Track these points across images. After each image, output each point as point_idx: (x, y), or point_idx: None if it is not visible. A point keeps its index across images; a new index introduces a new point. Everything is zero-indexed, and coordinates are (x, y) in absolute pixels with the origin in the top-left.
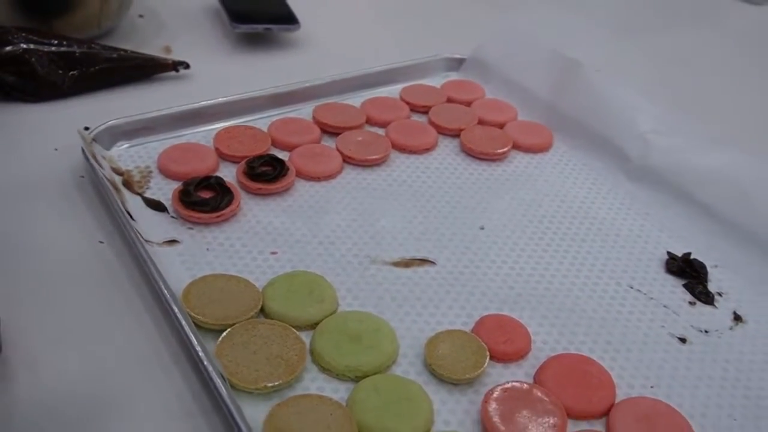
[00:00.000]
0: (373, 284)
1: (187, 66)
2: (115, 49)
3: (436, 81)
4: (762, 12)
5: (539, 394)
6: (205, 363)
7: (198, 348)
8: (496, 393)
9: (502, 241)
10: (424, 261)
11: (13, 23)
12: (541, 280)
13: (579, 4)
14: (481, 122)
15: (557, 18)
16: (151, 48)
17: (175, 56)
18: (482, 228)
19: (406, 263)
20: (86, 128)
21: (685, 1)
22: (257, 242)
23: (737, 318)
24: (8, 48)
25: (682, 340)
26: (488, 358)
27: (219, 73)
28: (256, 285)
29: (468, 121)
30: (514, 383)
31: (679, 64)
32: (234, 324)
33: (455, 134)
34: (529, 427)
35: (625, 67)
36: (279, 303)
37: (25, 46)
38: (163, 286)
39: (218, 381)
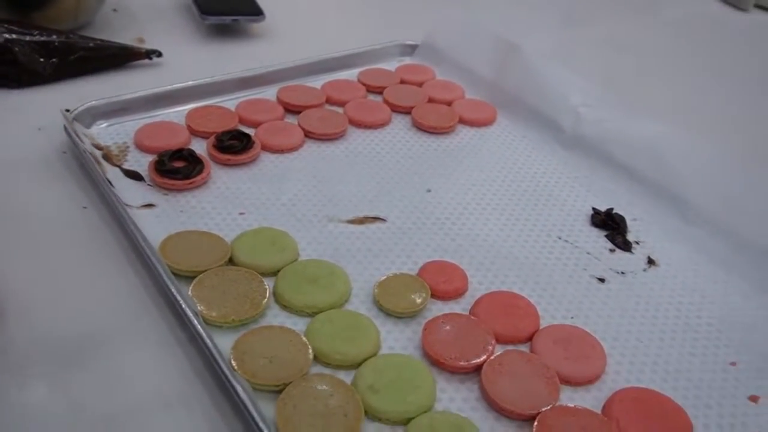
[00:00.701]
0: (330, 238)
1: (159, 54)
2: (92, 39)
3: (391, 65)
4: (696, 2)
5: (472, 322)
6: (181, 303)
7: (174, 290)
8: (435, 322)
9: (446, 202)
10: (375, 219)
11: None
12: (480, 233)
13: None
14: (431, 100)
15: (505, 7)
16: (125, 39)
17: (148, 46)
18: (429, 191)
19: (360, 221)
20: (67, 110)
21: None
22: (226, 205)
23: (650, 261)
24: None
25: (601, 280)
26: (429, 295)
27: (190, 61)
28: (225, 239)
29: (419, 100)
30: (450, 314)
31: (615, 50)
32: (206, 270)
33: (407, 111)
34: (464, 349)
35: (567, 52)
36: (246, 253)
37: (7, 36)
38: (141, 241)
39: (192, 317)
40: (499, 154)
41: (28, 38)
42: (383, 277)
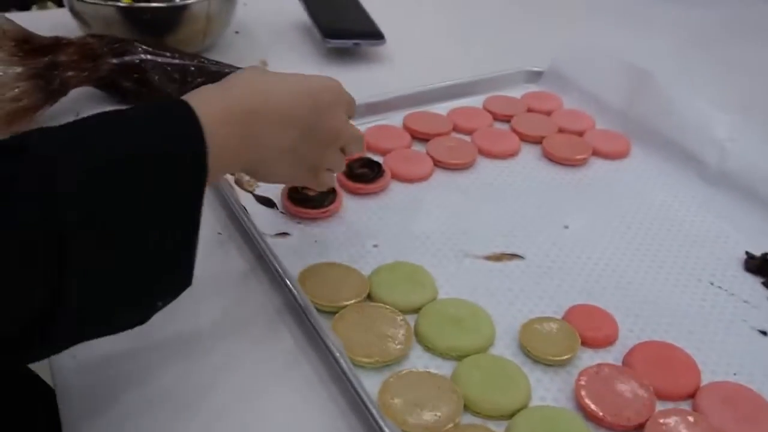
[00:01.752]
0: (467, 275)
1: None
2: (221, 64)
3: (516, 92)
4: None
5: (628, 375)
6: (326, 340)
7: (318, 326)
8: (588, 373)
9: (585, 239)
10: (513, 256)
11: (130, 36)
12: (624, 275)
13: (645, 18)
14: (561, 131)
15: (626, 31)
16: (249, 61)
17: (271, 68)
18: (566, 227)
19: (497, 257)
20: None
21: (749, 14)
22: (360, 236)
23: None
24: (127, 57)
25: (763, 333)
26: (579, 342)
27: None
28: (362, 273)
29: (549, 130)
30: (604, 365)
31: (745, 74)
32: (346, 306)
33: (537, 141)
34: (620, 405)
35: (694, 77)
36: (385, 289)
37: (143, 56)
38: (282, 272)
39: (338, 354)
40: (637, 190)
41: (160, 59)
42: (528, 321)
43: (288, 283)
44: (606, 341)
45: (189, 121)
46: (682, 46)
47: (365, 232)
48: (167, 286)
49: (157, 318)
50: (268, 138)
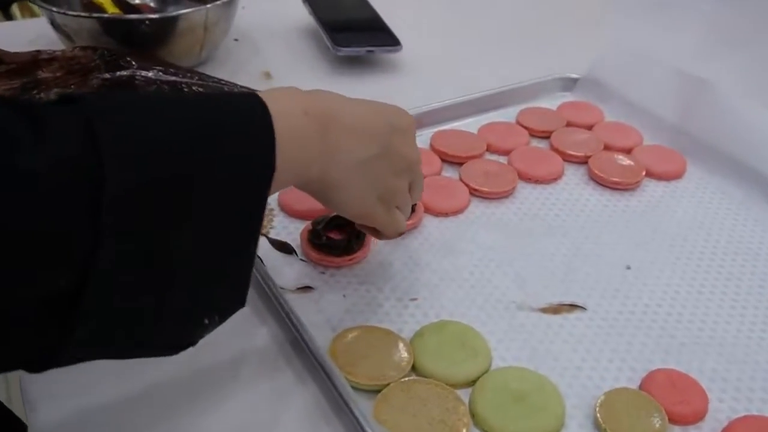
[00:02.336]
0: (524, 333)
1: None
2: (220, 82)
3: (550, 103)
4: None
5: None
6: (367, 429)
7: (357, 412)
8: None
9: (652, 282)
10: (573, 306)
11: (122, 48)
12: (703, 326)
13: (684, 13)
14: (606, 148)
15: (665, 29)
16: (250, 73)
17: (275, 81)
18: (629, 268)
19: (555, 309)
20: None
21: None
22: (395, 287)
23: None
24: (118, 73)
25: None
26: (666, 420)
27: None
28: (403, 337)
29: (593, 147)
30: None
31: None
32: (389, 384)
33: (581, 161)
34: None
35: (750, 79)
36: (431, 359)
37: (134, 72)
38: (309, 343)
39: None
40: (700, 217)
41: (152, 75)
42: (603, 396)
43: (317, 358)
44: (696, 417)
45: (258, 112)
46: (728, 45)
47: (400, 281)
48: (217, 298)
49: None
50: (345, 144)
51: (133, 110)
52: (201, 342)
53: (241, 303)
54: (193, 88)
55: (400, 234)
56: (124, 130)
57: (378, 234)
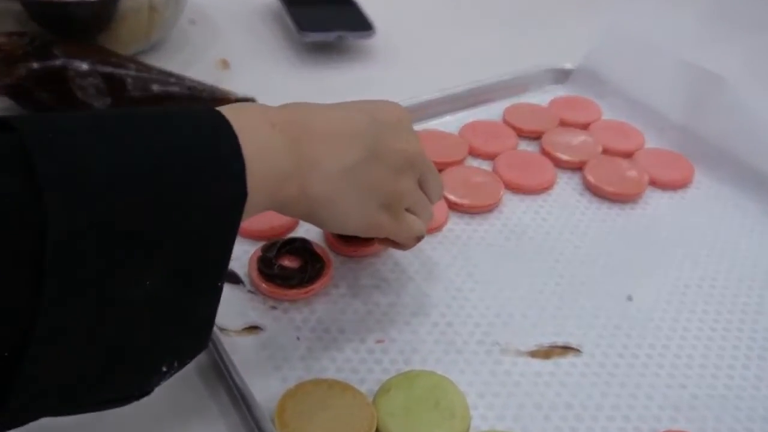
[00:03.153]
0: (509, 385)
1: (253, 100)
2: (167, 74)
3: (540, 98)
4: None
5: None
6: None
7: None
8: None
9: (658, 317)
10: (567, 349)
11: (55, 35)
12: (717, 373)
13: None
14: (604, 151)
15: (669, 14)
16: (205, 62)
17: (234, 71)
18: (630, 299)
19: (545, 353)
20: None
21: None
22: (358, 325)
23: None
24: (48, 62)
25: None
26: None
27: (286, 91)
28: (364, 394)
29: (590, 152)
30: None
31: None
32: None
33: (576, 168)
34: None
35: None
36: (398, 423)
37: (66, 62)
38: (250, 402)
39: None
40: (711, 235)
41: (86, 66)
42: None
43: (258, 422)
44: None
45: (218, 123)
46: (738, 32)
47: (365, 318)
48: (177, 343)
49: None
50: (323, 153)
51: (76, 138)
52: None
53: (203, 345)
54: (133, 79)
55: (419, 239)
56: (67, 164)
57: (398, 245)
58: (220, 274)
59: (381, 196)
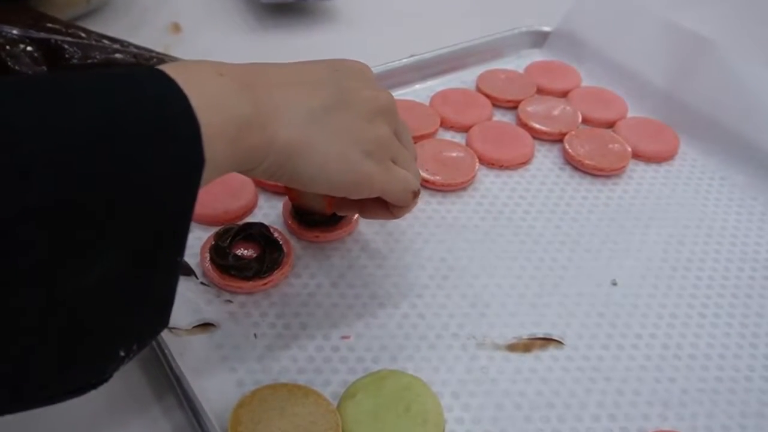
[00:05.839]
0: (486, 383)
1: None
2: (109, 39)
3: (516, 63)
4: None
5: None
6: None
7: None
8: None
9: (644, 303)
10: (547, 340)
11: None
12: (708, 364)
13: None
14: (584, 121)
15: None
16: (154, 26)
17: (186, 36)
18: (615, 283)
19: (525, 345)
20: None
21: None
22: (321, 320)
23: None
24: None
25: None
26: None
27: (242, 56)
28: (328, 399)
29: (569, 122)
30: None
31: None
32: None
33: (555, 139)
34: None
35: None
36: (366, 430)
37: None
38: (202, 415)
39: None
40: (698, 212)
41: (17, 32)
42: None
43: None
44: None
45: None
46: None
47: (329, 311)
48: (136, 325)
49: None
50: (284, 97)
51: (2, 108)
52: None
53: (163, 324)
54: (71, 46)
55: (416, 194)
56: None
57: (388, 211)
58: (180, 248)
59: (359, 141)
